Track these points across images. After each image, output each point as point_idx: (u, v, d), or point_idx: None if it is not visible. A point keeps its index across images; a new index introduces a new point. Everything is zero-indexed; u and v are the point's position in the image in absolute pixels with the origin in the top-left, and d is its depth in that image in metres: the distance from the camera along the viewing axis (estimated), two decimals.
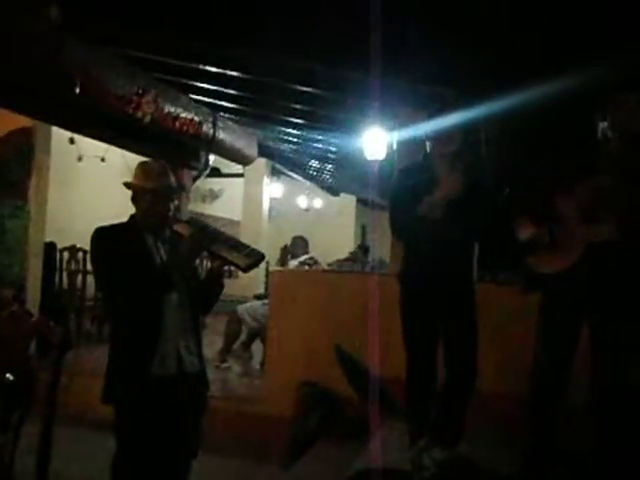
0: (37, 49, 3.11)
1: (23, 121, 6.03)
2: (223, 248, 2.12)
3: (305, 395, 3.75)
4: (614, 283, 2.18)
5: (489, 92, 3.06)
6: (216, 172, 8.43)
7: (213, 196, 10.76)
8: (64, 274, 6.94)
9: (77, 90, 3.34)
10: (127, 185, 2.21)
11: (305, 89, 4.39)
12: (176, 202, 2.20)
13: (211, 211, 10.28)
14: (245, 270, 2.11)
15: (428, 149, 2.61)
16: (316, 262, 5.66)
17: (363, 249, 8.59)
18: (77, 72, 3.35)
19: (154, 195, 2.11)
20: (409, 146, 3.25)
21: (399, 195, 2.61)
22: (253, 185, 8.70)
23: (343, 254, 7.46)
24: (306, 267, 5.48)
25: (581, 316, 2.28)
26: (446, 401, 2.56)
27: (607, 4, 2.63)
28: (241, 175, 8.91)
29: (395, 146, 4.37)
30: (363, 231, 13.12)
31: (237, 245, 2.19)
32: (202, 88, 4.96)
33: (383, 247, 7.73)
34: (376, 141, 4.87)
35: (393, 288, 2.66)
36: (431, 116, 2.58)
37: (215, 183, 10.23)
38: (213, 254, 2.14)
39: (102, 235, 2.11)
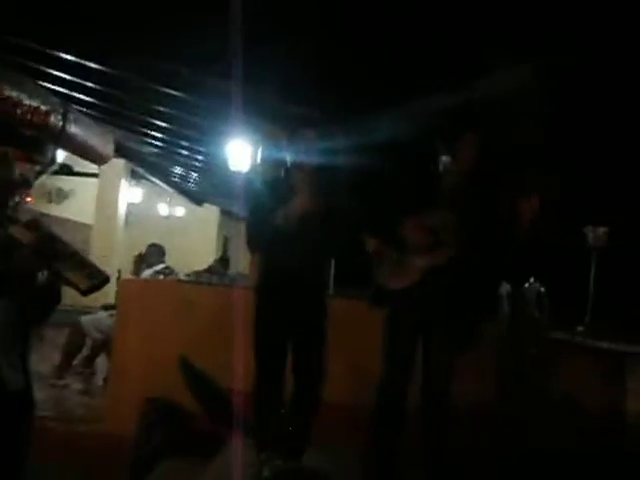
0: None
1: None
2: (66, 265, 1.87)
3: (149, 410, 3.57)
4: (442, 301, 2.42)
5: (349, 116, 3.22)
6: (67, 169, 7.78)
7: (62, 196, 9.88)
8: None
9: None
10: None
11: (170, 91, 4.25)
12: (16, 197, 1.94)
13: (59, 212, 9.41)
14: (85, 293, 1.90)
15: (288, 164, 2.68)
16: (172, 272, 5.44)
17: (224, 261, 8.47)
18: None
19: None
20: (272, 161, 3.29)
21: (257, 207, 2.65)
22: (109, 187, 8.16)
23: (204, 265, 7.29)
24: (161, 277, 5.25)
25: (417, 332, 2.48)
26: (292, 412, 2.60)
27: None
28: (96, 175, 8.32)
29: (259, 160, 4.40)
30: (225, 242, 12.98)
31: (81, 262, 1.94)
32: (54, 75, 4.55)
33: (244, 260, 7.71)
34: (240, 153, 4.88)
35: (249, 301, 2.65)
36: (293, 134, 2.65)
37: (65, 181, 9.43)
38: (53, 272, 1.90)
39: None
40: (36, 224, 1.98)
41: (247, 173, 4.91)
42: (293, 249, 2.50)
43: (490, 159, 2.56)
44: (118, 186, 8.14)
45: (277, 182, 2.74)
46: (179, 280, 5.04)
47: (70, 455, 3.71)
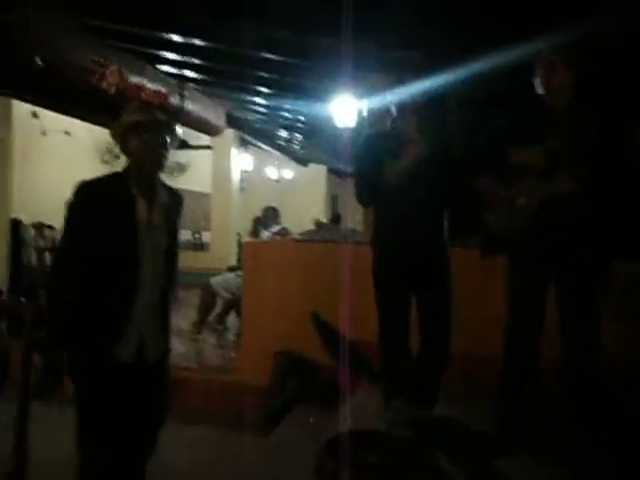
0: None
1: None
2: None
3: (281, 364, 3.80)
4: (569, 234, 2.21)
5: (456, 56, 3.06)
6: (183, 144, 8.27)
7: (181, 169, 10.56)
8: (32, 251, 6.80)
9: (39, 62, 3.20)
10: (114, 134, 1.97)
11: (272, 57, 4.31)
12: (169, 146, 1.94)
13: (179, 184, 10.09)
14: None
15: (395, 115, 2.61)
16: (288, 233, 5.66)
17: (335, 218, 8.63)
18: (37, 43, 3.20)
19: (147, 129, 1.87)
20: (378, 113, 3.24)
21: (365, 162, 2.61)
22: (222, 157, 8.57)
23: (312, 225, 7.48)
24: (278, 237, 5.48)
25: (544, 272, 2.31)
26: (421, 366, 2.59)
27: None
28: (208, 147, 8.77)
29: (365, 113, 4.35)
30: (334, 201, 13.16)
31: None
32: (168, 58, 4.83)
33: (356, 216, 7.78)
34: (346, 108, 4.83)
35: (366, 256, 2.69)
36: (398, 81, 2.58)
37: (182, 155, 10.05)
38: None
39: (83, 193, 1.88)
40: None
41: (354, 128, 4.89)
42: (407, 200, 2.46)
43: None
44: (230, 155, 8.51)
45: (386, 133, 2.68)
46: (295, 239, 5.23)
47: (208, 401, 4.10)
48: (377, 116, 3.66)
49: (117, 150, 2.09)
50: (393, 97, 2.59)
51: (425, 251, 2.56)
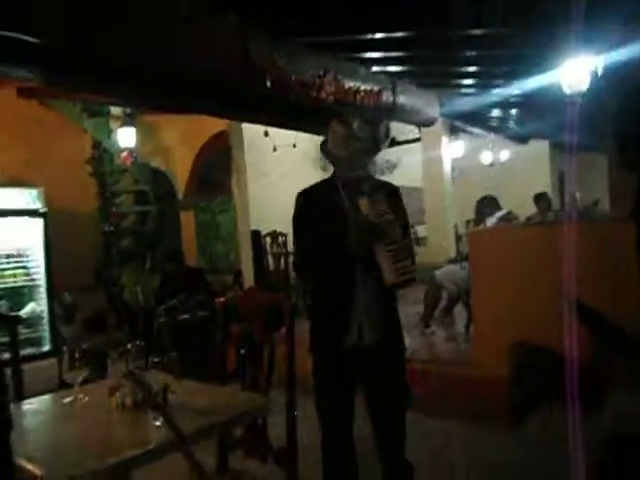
0: (224, 50, 3.36)
1: (220, 125, 6.74)
2: (385, 250, 1.95)
3: (520, 355, 3.56)
4: None
5: None
6: (392, 142, 8.39)
7: (391, 166, 10.75)
8: (269, 257, 7.63)
9: (268, 84, 3.55)
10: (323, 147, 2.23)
11: (481, 32, 4.07)
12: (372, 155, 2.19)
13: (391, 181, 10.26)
14: (389, 287, 1.98)
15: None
16: (515, 217, 5.30)
17: (572, 197, 7.77)
18: (266, 66, 3.56)
19: (352, 142, 2.10)
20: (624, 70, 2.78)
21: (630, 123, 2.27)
22: (432, 148, 8.43)
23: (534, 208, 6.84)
24: (503, 223, 5.16)
25: None
26: None
27: None
28: (417, 140, 8.73)
29: (601, 73, 3.79)
30: (561, 179, 11.92)
31: (402, 253, 1.99)
32: (376, 57, 4.91)
33: (594, 193, 6.92)
34: (577, 71, 4.25)
35: (614, 235, 2.34)
36: None
37: (391, 153, 10.20)
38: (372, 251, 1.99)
39: (300, 198, 2.18)
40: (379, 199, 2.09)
41: (586, 94, 4.31)
42: None
43: None
44: (440, 145, 8.34)
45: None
46: (523, 224, 4.87)
47: (447, 394, 4.04)
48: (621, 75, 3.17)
49: None
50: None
51: None
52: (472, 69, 5.20)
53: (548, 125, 8.24)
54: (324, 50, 4.35)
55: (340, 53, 4.37)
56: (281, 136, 7.55)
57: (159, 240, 7.33)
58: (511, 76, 5.40)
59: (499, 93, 6.50)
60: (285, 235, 7.48)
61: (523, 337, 3.55)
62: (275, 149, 7.85)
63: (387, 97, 5.21)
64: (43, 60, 3.06)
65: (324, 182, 2.23)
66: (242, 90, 3.72)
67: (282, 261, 7.43)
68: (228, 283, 6.77)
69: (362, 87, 4.57)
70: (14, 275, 5.41)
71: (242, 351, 2.29)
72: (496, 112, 8.12)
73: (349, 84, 4.44)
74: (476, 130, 9.10)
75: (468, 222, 7.87)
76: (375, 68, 5.12)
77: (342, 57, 4.48)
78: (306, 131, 6.19)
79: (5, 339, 3.25)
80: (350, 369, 2.10)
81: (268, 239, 7.70)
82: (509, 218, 5.21)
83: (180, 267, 5.82)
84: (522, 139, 10.65)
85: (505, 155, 11.26)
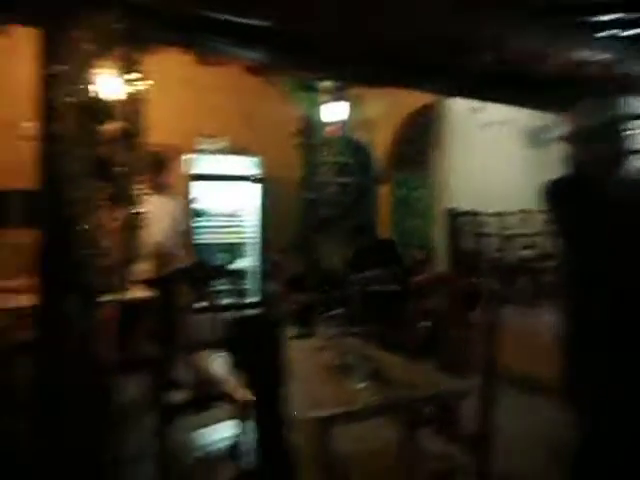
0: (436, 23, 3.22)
1: (421, 99, 6.63)
2: None
3: None
4: None
5: None
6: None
7: None
8: (464, 237, 7.38)
9: (489, 56, 3.36)
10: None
11: None
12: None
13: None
14: None
15: None
16: None
17: None
18: (480, 37, 3.36)
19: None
20: None
21: None
22: None
23: None
24: None
25: None
26: None
27: None
28: None
29: None
30: None
31: None
32: (604, 22, 4.30)
33: None
34: None
35: None
36: None
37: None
38: None
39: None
40: None
41: None
42: None
43: None
44: None
45: None
46: None
47: None
48: None
49: (543, 135, 2.09)
50: None
51: None
52: None
53: None
54: (548, 16, 3.93)
55: (567, 17, 3.89)
56: (490, 113, 7.15)
57: (357, 212, 7.59)
58: None
59: None
60: (480, 214, 7.17)
61: None
62: (483, 126, 7.46)
63: (620, 68, 4.53)
64: (271, 44, 3.32)
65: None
66: (465, 64, 3.57)
67: (477, 242, 7.15)
68: (420, 258, 6.76)
69: (590, 58, 4.02)
70: (234, 232, 6.19)
71: (434, 330, 2.27)
72: None
73: (577, 55, 3.94)
74: None
75: None
76: (604, 34, 4.47)
77: (569, 23, 3.99)
78: (525, 107, 5.73)
79: (226, 288, 3.71)
80: None
81: (466, 218, 7.45)
82: None
83: (373, 239, 5.96)
84: None
85: None
